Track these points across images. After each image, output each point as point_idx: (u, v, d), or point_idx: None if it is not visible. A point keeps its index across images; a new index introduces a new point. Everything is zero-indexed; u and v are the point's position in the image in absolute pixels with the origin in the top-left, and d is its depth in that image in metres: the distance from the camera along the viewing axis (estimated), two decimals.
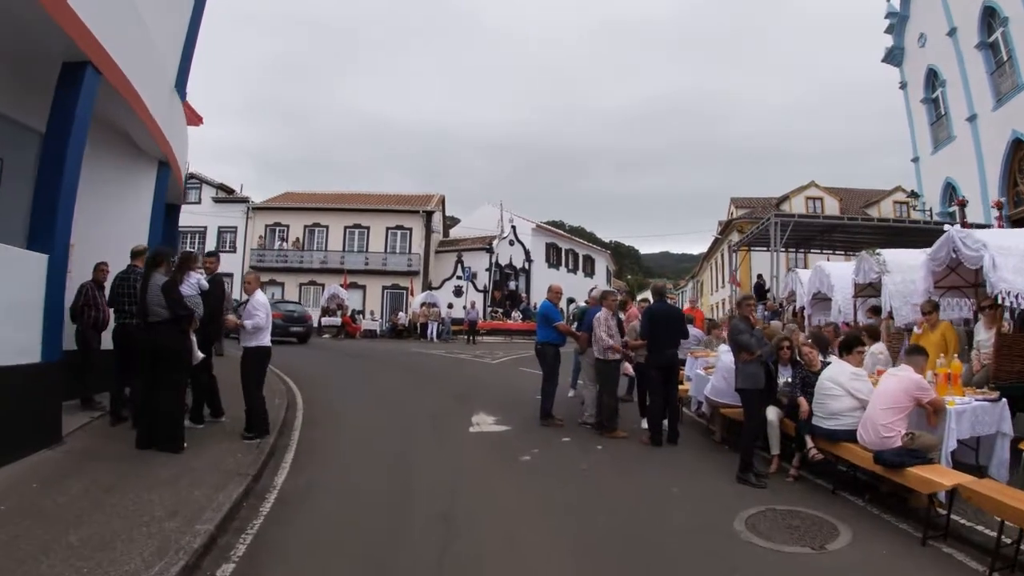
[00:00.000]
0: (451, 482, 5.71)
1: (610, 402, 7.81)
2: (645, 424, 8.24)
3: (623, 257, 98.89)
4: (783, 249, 19.61)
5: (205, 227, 34.86)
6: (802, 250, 24.30)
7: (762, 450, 6.52)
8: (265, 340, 6.86)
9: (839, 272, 11.72)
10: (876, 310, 9.85)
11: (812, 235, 20.53)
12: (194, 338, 6.48)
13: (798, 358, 6.71)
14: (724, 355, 7.51)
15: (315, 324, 28.23)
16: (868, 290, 10.87)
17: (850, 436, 5.61)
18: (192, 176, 35.64)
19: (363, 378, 12.99)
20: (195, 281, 6.66)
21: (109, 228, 9.16)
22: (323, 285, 31.83)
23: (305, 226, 34.91)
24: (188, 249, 7.13)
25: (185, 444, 6.01)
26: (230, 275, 34.11)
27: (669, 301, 9.79)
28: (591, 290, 10.28)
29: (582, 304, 11.14)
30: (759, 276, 24.14)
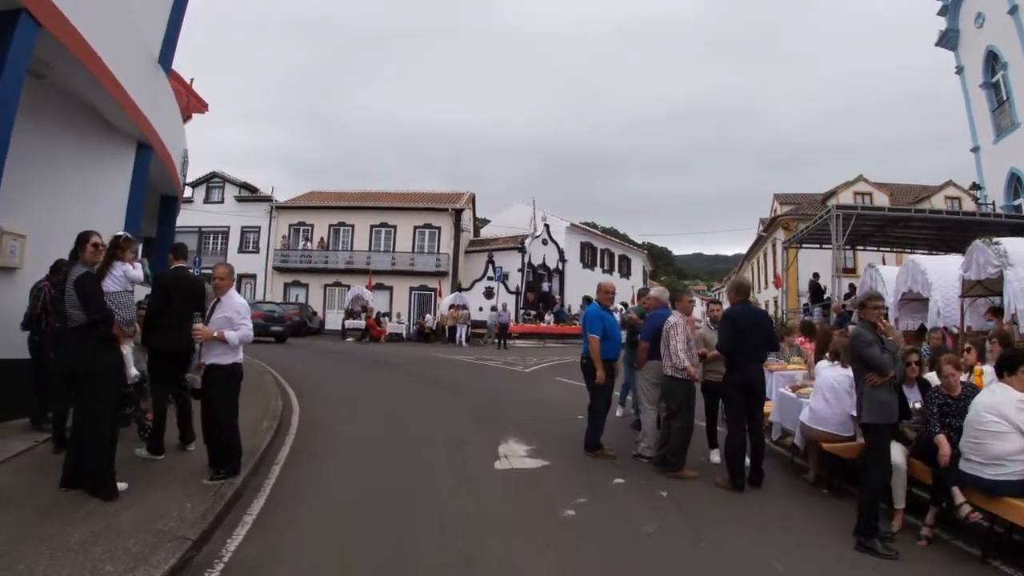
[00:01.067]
0: (465, 551, 4.11)
1: (680, 435, 6.16)
2: (714, 457, 6.61)
3: (656, 258, 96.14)
4: (847, 247, 17.67)
5: (228, 227, 33.98)
6: (855, 248, 22.60)
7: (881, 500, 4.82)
8: (240, 355, 5.38)
9: (938, 267, 9.86)
10: (997, 311, 8.03)
11: (869, 231, 18.53)
12: (127, 350, 5.02)
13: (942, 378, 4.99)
14: (825, 371, 5.78)
15: (340, 326, 27.15)
16: (977, 288, 9.03)
17: (1020, 489, 4.03)
18: (214, 175, 34.89)
19: (377, 390, 11.50)
20: (120, 273, 5.21)
21: (74, 217, 7.88)
22: (348, 286, 30.59)
23: (330, 225, 33.74)
24: (126, 235, 5.57)
25: (120, 489, 4.55)
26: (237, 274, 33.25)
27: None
28: (641, 289, 8.59)
29: (633, 307, 9.43)
30: (815, 275, 21.92)
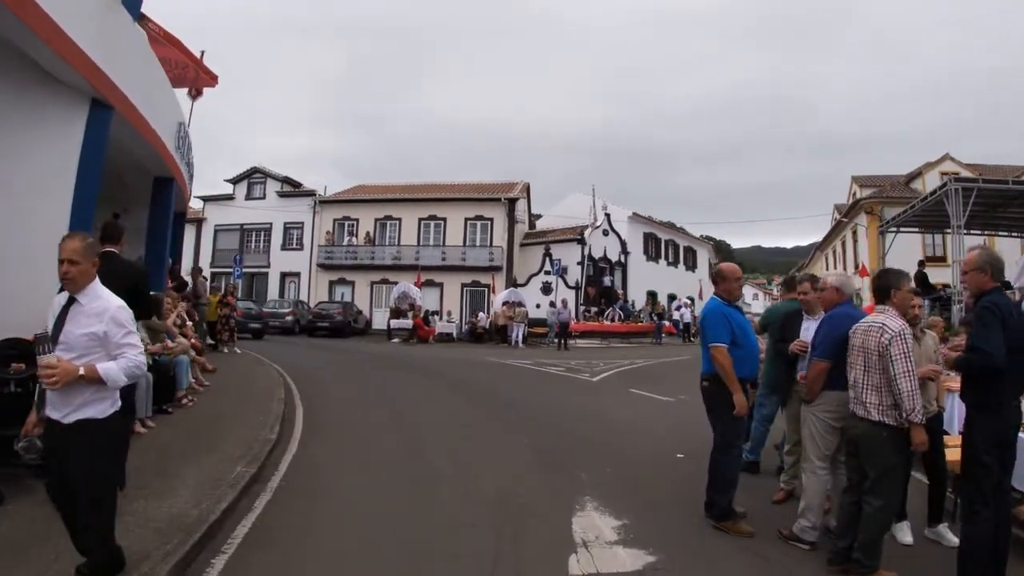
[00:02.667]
0: None
1: (881, 517, 3.55)
2: (904, 536, 4.06)
3: (715, 251, 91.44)
4: (964, 230, 14.47)
5: (270, 223, 32.46)
6: (944, 232, 19.76)
7: None
8: (118, 400, 3.06)
9: None
10: None
11: (977, 211, 15.35)
12: None
13: None
14: None
15: (386, 326, 25.20)
16: None
17: None
18: (255, 170, 33.46)
19: (414, 410, 9.10)
20: None
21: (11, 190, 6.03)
22: (396, 283, 28.44)
23: (376, 219, 31.70)
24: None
25: None
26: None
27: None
28: (799, 276, 5.89)
29: (777, 303, 6.64)
30: (921, 263, 18.53)
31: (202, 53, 13.58)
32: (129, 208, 11.18)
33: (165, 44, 12.50)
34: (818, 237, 40.17)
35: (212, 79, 13.28)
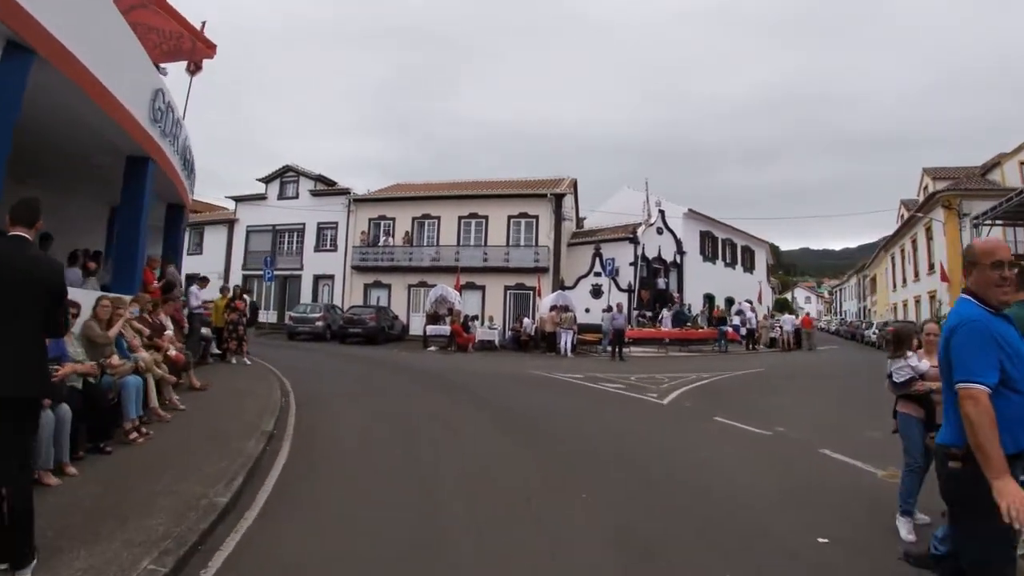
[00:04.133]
0: None
1: None
2: None
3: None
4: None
5: (303, 224, 30.94)
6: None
7: None
8: None
9: None
10: None
11: None
12: None
13: None
14: None
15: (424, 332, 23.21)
16: None
17: None
18: (288, 168, 32.04)
19: (438, 453, 6.94)
20: None
21: None
22: (435, 286, 26.40)
23: (413, 218, 29.75)
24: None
25: None
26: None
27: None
28: None
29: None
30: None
31: (203, 24, 11.83)
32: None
33: (156, 11, 10.75)
34: (870, 238, 37.06)
35: (210, 49, 11.53)
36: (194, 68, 11.84)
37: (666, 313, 26.51)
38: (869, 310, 56.89)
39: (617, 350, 19.84)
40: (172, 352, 8.12)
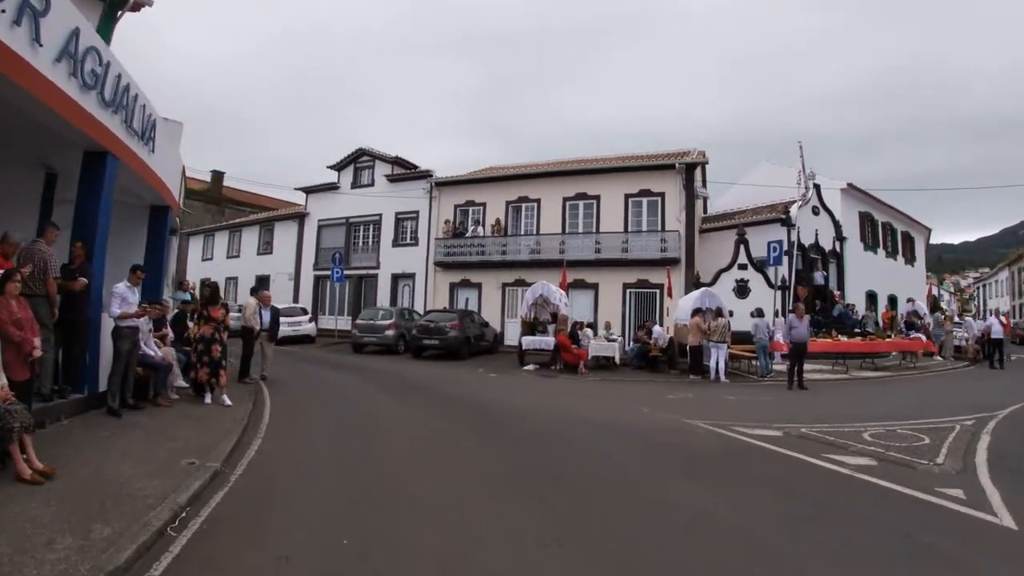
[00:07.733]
0: None
1: None
2: None
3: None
4: None
5: (379, 214, 26.44)
6: None
7: None
8: None
9: None
10: None
11: None
12: None
13: None
14: None
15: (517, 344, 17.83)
16: None
17: None
18: (362, 152, 27.61)
19: None
20: None
21: None
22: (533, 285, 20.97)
23: (507, 202, 24.48)
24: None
25: None
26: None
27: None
28: None
29: None
30: None
31: None
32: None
33: None
34: (990, 231, 29.11)
35: None
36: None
37: (843, 314, 20.12)
38: None
39: (797, 374, 13.64)
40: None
